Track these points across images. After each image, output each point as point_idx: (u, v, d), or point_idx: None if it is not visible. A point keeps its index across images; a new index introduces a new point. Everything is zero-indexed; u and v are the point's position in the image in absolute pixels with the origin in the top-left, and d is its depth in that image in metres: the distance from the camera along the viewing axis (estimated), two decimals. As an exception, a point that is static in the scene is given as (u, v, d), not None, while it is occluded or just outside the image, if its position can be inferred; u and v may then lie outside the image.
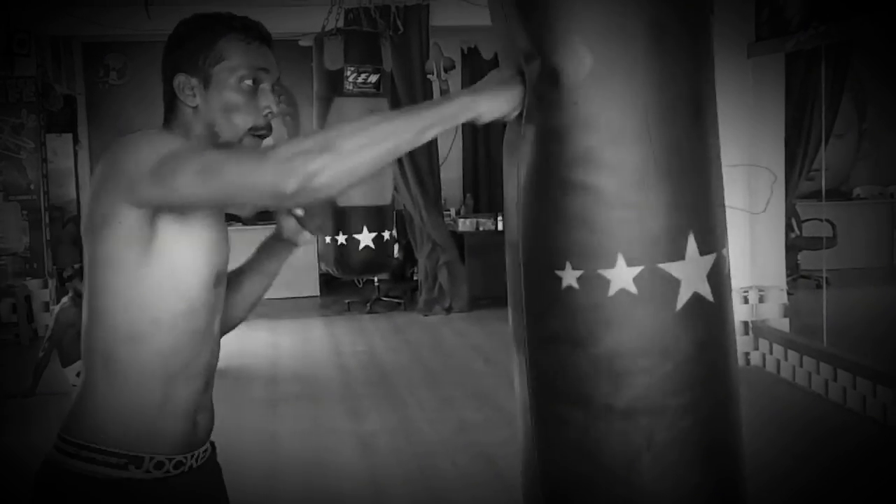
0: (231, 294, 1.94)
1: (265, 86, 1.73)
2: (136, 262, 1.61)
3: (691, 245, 1.53)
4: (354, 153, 1.42)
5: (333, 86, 6.23)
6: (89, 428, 1.67)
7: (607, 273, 1.51)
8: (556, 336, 1.55)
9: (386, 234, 6.55)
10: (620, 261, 1.51)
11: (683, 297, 1.53)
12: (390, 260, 6.98)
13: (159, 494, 1.70)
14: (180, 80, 1.70)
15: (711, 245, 1.56)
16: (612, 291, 1.51)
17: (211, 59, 1.69)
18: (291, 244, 1.99)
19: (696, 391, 1.55)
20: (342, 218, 6.39)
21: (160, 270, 1.63)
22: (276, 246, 2.01)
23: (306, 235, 1.96)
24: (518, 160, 1.58)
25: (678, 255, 1.53)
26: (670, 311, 1.53)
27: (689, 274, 1.54)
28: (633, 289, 1.51)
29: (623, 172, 1.50)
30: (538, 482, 1.61)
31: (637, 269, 1.51)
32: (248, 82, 1.71)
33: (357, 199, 6.32)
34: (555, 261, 1.54)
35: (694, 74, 1.55)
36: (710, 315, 1.57)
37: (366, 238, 6.35)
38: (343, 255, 6.42)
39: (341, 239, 6.32)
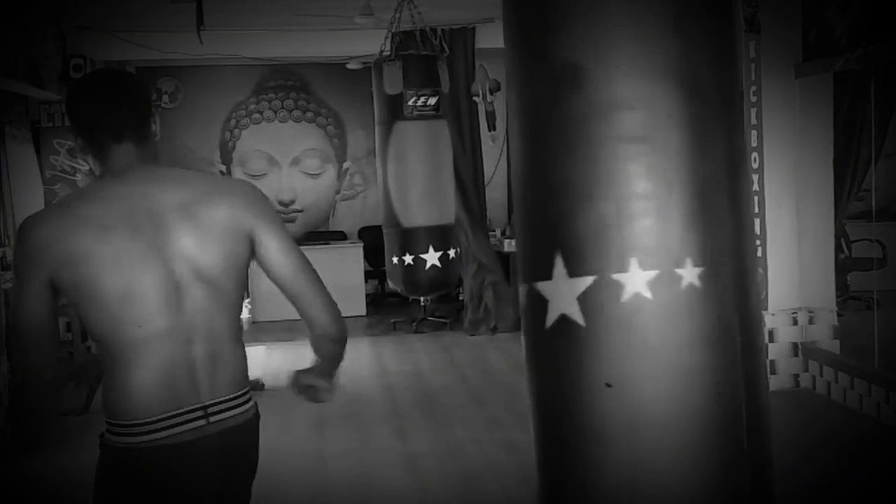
0: None
1: None
2: None
3: None
4: None
5: (394, 110, 6.32)
6: None
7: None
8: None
9: (451, 253, 6.59)
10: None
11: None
12: (456, 277, 7.02)
13: None
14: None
15: None
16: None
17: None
18: None
19: None
20: (408, 238, 6.44)
21: None
22: None
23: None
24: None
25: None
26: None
27: None
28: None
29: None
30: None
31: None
32: None
33: (422, 219, 6.38)
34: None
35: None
36: None
37: (432, 257, 6.40)
38: (410, 274, 6.49)
39: (408, 259, 6.39)
